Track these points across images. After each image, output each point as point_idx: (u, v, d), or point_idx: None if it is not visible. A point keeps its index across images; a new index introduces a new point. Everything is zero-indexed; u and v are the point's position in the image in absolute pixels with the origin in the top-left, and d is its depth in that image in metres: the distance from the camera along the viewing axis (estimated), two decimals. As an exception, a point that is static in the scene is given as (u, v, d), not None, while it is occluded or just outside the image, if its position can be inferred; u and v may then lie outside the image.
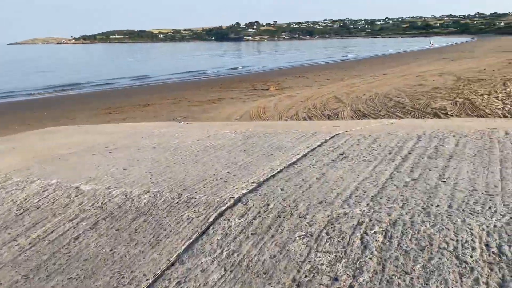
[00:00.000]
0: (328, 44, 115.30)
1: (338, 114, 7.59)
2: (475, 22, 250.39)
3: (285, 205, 2.18)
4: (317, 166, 2.75)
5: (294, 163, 2.88)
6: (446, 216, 1.84)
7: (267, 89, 13.29)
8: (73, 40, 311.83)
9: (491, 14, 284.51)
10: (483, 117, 6.56)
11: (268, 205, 2.21)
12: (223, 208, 2.25)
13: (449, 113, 7.07)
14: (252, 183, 2.60)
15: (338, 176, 2.51)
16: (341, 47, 78.28)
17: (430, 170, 2.46)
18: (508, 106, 7.30)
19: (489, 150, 2.77)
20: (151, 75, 24.05)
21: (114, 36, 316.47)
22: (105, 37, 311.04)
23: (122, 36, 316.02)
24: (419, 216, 1.88)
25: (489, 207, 1.88)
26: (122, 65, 39.30)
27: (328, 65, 28.22)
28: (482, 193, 2.06)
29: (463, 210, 1.87)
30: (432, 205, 1.98)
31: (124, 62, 43.67)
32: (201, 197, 2.45)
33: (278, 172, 2.71)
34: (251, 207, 2.21)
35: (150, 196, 2.56)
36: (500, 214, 1.81)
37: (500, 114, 6.65)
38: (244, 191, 2.47)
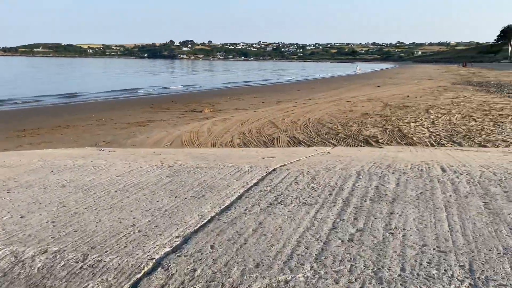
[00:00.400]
0: (262, 66, 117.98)
1: (274, 140, 7.42)
2: (396, 50, 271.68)
3: (215, 270, 1.82)
4: (253, 213, 2.44)
5: (228, 208, 2.55)
6: (401, 284, 1.60)
7: (201, 111, 12.92)
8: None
9: (410, 43, 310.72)
10: (413, 145, 6.74)
11: (195, 270, 1.84)
12: (139, 275, 1.84)
13: (380, 140, 7.19)
14: (176, 237, 2.21)
15: (277, 226, 2.22)
16: (275, 70, 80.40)
17: (375, 218, 2.25)
18: (434, 134, 7.61)
19: (431, 192, 2.65)
20: (79, 93, 22.59)
21: (38, 50, 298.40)
22: (28, 50, 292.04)
23: (47, 50, 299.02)
24: (370, 283, 1.63)
25: (445, 270, 1.68)
26: (49, 81, 36.76)
27: (263, 87, 28.57)
28: (434, 249, 1.87)
29: (417, 275, 1.65)
30: (383, 268, 1.74)
31: (51, 78, 40.94)
32: (112, 259, 2.01)
33: (209, 220, 2.36)
34: (173, 274, 1.83)
35: (47, 258, 2.06)
36: (458, 279, 1.61)
37: (428, 143, 6.88)
38: (167, 249, 2.08)
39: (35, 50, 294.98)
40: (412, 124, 8.99)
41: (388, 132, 7.99)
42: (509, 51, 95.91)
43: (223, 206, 2.58)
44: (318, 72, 67.89)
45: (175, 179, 3.31)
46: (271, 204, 2.58)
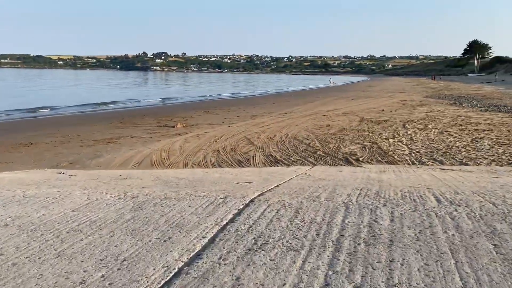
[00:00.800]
0: (237, 78, 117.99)
1: (250, 159, 7.05)
2: (367, 64, 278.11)
3: None
4: (229, 262, 2.05)
5: (199, 255, 2.15)
6: None
7: (174, 126, 12.44)
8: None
9: (380, 56, 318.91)
10: (394, 163, 6.51)
11: None
12: None
13: (360, 159, 6.94)
14: (134, 303, 1.80)
15: (257, 283, 1.84)
16: (249, 82, 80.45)
17: (373, 269, 1.91)
18: (414, 151, 7.43)
19: (431, 231, 2.34)
20: (46, 107, 21.62)
21: (5, 60, 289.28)
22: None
23: (15, 61, 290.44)
24: None
25: None
26: (13, 94, 35.29)
27: (238, 101, 28.27)
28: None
29: None
30: None
31: (16, 91, 39.36)
32: None
33: (175, 274, 1.96)
34: None
35: None
36: None
37: (409, 161, 6.68)
38: (120, 323, 1.67)
39: (2, 61, 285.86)
40: (390, 140, 8.82)
41: (367, 149, 7.76)
42: (475, 65, 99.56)
43: (193, 253, 2.19)
44: (292, 85, 68.29)
45: (138, 215, 2.89)
46: (250, 249, 2.21)
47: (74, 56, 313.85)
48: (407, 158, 6.93)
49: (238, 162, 6.74)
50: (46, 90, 40.63)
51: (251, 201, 3.15)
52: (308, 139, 9.15)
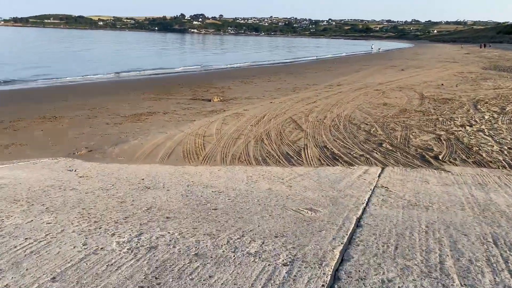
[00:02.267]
0: (274, 41, 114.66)
1: (301, 152, 5.79)
2: (411, 29, 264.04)
3: None
4: None
5: None
6: None
7: (210, 100, 11.27)
8: (2, 22, 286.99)
9: (425, 21, 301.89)
10: (485, 166, 5.08)
11: None
12: None
13: (439, 156, 5.54)
14: None
15: None
16: (287, 47, 77.60)
17: None
18: (505, 148, 5.92)
19: None
20: (80, 74, 20.98)
21: (49, 21, 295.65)
22: (39, 21, 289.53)
23: (58, 21, 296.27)
24: None
25: None
26: (52, 55, 35.25)
27: (277, 68, 26.62)
28: None
29: None
30: None
31: (56, 52, 39.40)
32: None
33: None
34: None
35: None
36: None
37: (503, 162, 5.22)
38: None
39: (46, 21, 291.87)
40: (468, 128, 7.28)
41: (444, 142, 6.31)
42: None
43: None
44: (333, 50, 65.19)
45: (151, 310, 1.74)
46: None
47: (113, 17, 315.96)
48: (500, 157, 5.46)
49: (287, 157, 5.51)
50: (86, 51, 40.42)
51: (336, 278, 1.92)
52: (367, 124, 7.74)
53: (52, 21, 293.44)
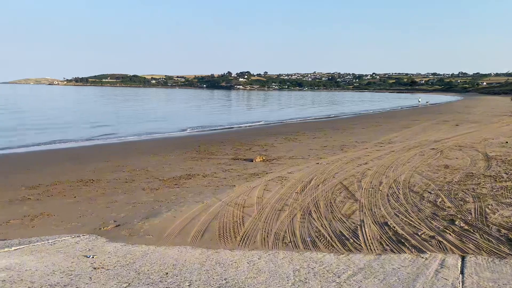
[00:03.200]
0: (317, 96, 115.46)
1: (357, 231, 4.91)
2: (458, 81, 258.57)
3: None
4: None
5: None
6: None
7: (252, 160, 10.70)
8: (65, 82, 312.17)
9: (474, 74, 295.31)
10: None
11: None
12: None
13: (533, 241, 4.45)
14: None
15: None
16: (330, 101, 77.56)
17: None
18: None
19: None
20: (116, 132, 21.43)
21: (106, 80, 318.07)
22: (97, 80, 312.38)
23: (114, 80, 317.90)
24: None
25: None
26: (106, 113, 36.95)
27: (321, 124, 26.00)
28: None
29: None
30: None
31: (113, 112, 41.38)
32: None
33: None
34: None
35: None
36: None
37: None
38: None
39: (104, 80, 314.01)
40: (558, 200, 6.09)
41: (532, 219, 5.19)
42: None
43: None
44: (377, 104, 64.14)
45: None
46: None
47: (165, 75, 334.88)
48: None
49: (341, 238, 4.64)
50: (138, 108, 42.13)
51: None
52: (430, 192, 6.74)
53: (109, 80, 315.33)
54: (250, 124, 26.41)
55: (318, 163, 9.97)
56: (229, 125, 25.71)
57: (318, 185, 7.43)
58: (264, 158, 11.11)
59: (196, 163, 10.61)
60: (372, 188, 7.18)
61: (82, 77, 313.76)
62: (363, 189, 7.11)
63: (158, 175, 8.93)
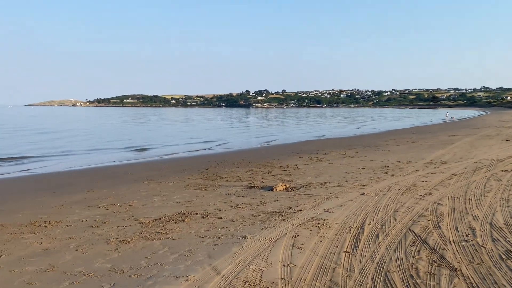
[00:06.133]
0: (337, 113, 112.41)
1: None
2: (481, 96, 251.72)
3: None
4: None
5: None
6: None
7: (272, 189, 8.14)
8: (87, 103, 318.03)
9: (497, 88, 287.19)
10: None
11: None
12: None
13: None
14: None
15: None
16: (352, 117, 74.51)
17: None
18: None
19: None
20: (146, 147, 19.18)
21: (127, 100, 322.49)
22: (118, 101, 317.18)
23: (135, 100, 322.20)
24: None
25: None
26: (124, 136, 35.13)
27: (349, 140, 23.20)
28: None
29: None
30: None
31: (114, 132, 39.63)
32: None
33: None
34: None
35: None
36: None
37: None
38: None
39: (125, 101, 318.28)
40: None
41: None
42: None
43: None
44: (402, 119, 60.80)
45: None
46: None
47: (184, 95, 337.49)
48: None
49: None
50: (145, 131, 40.20)
51: None
52: None
53: (130, 100, 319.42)
54: (268, 142, 23.82)
55: (363, 194, 7.28)
56: (244, 143, 23.17)
57: (377, 235, 4.76)
58: (287, 185, 8.49)
59: (199, 193, 8.07)
60: (465, 241, 4.48)
61: (104, 98, 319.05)
62: (452, 243, 4.42)
63: (141, 213, 6.42)
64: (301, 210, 6.20)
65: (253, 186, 8.64)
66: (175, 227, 5.51)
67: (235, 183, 9.11)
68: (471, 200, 6.48)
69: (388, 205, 6.30)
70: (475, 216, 5.49)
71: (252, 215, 6.00)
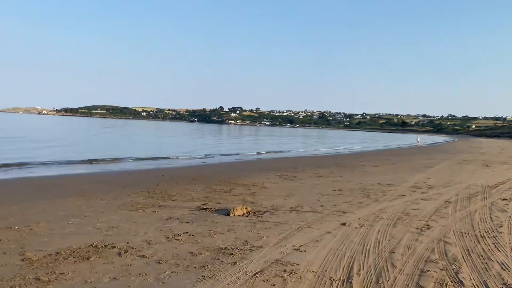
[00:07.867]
0: (309, 133, 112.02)
1: None
2: (448, 123, 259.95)
3: None
4: None
5: None
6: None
7: (228, 213, 6.41)
8: (54, 112, 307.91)
9: (462, 116, 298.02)
10: None
11: None
12: None
13: None
14: None
15: None
16: (324, 137, 73.84)
17: None
18: None
19: None
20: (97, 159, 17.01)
21: (96, 111, 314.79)
22: (87, 111, 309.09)
23: (104, 111, 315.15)
24: None
25: None
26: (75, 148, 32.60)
27: (322, 159, 21.76)
28: None
29: None
30: None
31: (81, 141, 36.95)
32: None
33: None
34: None
35: None
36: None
37: None
38: None
39: (94, 111, 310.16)
40: None
41: None
42: None
43: None
44: (374, 141, 60.61)
45: None
46: None
47: (156, 108, 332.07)
48: None
49: None
50: (120, 139, 37.69)
51: None
52: None
53: (99, 111, 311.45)
54: (238, 156, 22.02)
55: (344, 224, 5.63)
56: (211, 156, 21.27)
57: (372, 296, 3.08)
58: (249, 209, 6.74)
59: (132, 215, 6.21)
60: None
61: (72, 108, 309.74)
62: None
63: (36, 244, 4.51)
64: (261, 246, 4.45)
65: (205, 209, 6.84)
66: (70, 270, 3.65)
67: (184, 204, 7.29)
68: (485, 237, 4.94)
69: (379, 242, 4.66)
70: (503, 264, 3.92)
71: (190, 253, 4.19)
